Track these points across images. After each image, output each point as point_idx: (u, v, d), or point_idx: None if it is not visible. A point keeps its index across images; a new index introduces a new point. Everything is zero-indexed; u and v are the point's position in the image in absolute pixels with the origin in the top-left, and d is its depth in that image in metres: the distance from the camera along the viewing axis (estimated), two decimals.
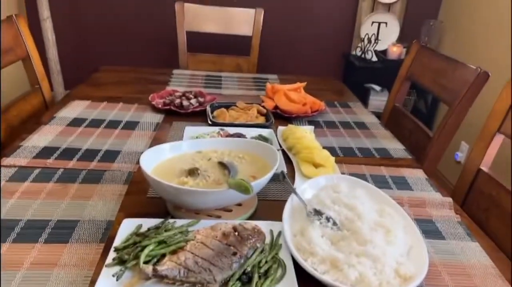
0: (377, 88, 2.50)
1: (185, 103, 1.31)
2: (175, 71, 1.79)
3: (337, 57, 2.69)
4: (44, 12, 2.21)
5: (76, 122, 1.16)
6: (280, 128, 1.18)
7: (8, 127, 1.17)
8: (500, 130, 0.99)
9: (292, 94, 1.39)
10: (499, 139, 1.01)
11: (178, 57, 2.03)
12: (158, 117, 1.26)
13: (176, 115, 1.28)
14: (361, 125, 1.32)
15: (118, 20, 2.51)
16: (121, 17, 2.51)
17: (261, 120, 1.27)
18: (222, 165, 0.80)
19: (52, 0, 2.29)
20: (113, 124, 1.17)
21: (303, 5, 2.55)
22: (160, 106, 1.31)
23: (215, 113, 1.29)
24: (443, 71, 1.27)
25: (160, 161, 0.80)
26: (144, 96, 1.40)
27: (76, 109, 1.26)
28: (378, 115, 1.49)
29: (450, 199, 0.88)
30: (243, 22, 2.05)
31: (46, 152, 0.98)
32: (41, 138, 1.05)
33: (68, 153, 0.98)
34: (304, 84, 1.47)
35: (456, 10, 2.44)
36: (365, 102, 2.56)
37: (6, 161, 0.92)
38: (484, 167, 1.01)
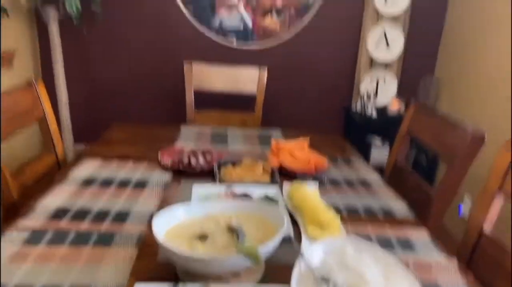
0: (379, 142, 2.55)
1: (193, 161, 1.36)
2: (183, 128, 1.85)
3: (338, 111, 2.78)
4: (59, 73, 2.33)
5: (88, 182, 1.20)
6: (286, 186, 1.21)
7: (21, 187, 1.21)
8: (501, 189, 1.02)
9: (296, 152, 1.44)
10: (500, 198, 1.04)
11: (186, 113, 2.11)
12: (167, 176, 1.30)
13: (184, 174, 1.32)
14: (364, 183, 1.36)
15: (129, 79, 2.64)
16: (132, 76, 2.63)
17: (267, 178, 1.30)
18: (231, 229, 0.82)
19: (67, 61, 2.42)
20: (123, 184, 1.21)
21: (304, 62, 2.68)
22: (169, 165, 1.35)
23: (222, 171, 1.33)
24: (442, 130, 1.33)
25: (171, 226, 0.82)
26: (153, 153, 1.45)
27: (88, 168, 1.30)
28: (381, 168, 1.53)
29: (455, 261, 0.90)
30: (248, 80, 2.16)
31: (59, 213, 1.01)
32: (54, 199, 1.08)
33: (81, 214, 1.01)
34: (307, 140, 1.52)
35: (451, 67, 2.55)
36: (367, 156, 2.61)
37: (21, 223, 0.95)
38: (486, 227, 1.03)
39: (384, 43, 2.60)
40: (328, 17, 2.60)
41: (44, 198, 1.08)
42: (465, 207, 2.26)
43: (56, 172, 1.28)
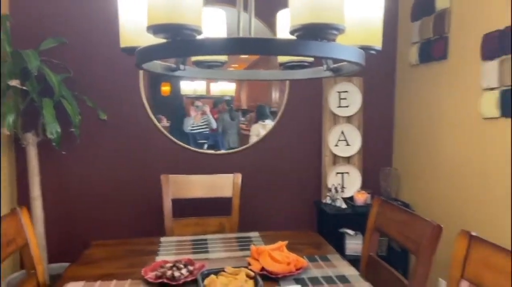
0: (351, 232, 2.66)
1: (176, 274, 1.39)
2: (162, 239, 1.89)
3: (309, 205, 2.91)
4: (35, 190, 2.37)
5: None
6: None
7: None
8: (464, 277, 1.13)
9: (276, 254, 1.50)
10: (465, 283, 1.13)
11: (164, 223, 2.16)
12: None
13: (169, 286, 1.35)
14: (343, 279, 1.42)
15: (105, 194, 2.71)
16: (108, 191, 2.71)
17: (251, 284, 1.34)
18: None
19: (44, 181, 2.48)
20: None
21: (273, 163, 2.87)
22: (152, 280, 1.38)
23: (205, 281, 1.36)
24: (405, 223, 1.46)
25: None
26: (136, 269, 1.48)
27: None
28: (356, 258, 1.62)
29: None
30: (224, 185, 2.28)
31: None
32: None
33: None
34: (285, 243, 1.60)
35: (406, 158, 2.81)
36: (341, 246, 2.68)
37: None
38: None
39: (344, 140, 2.86)
40: (292, 120, 2.86)
41: None
42: None
43: None
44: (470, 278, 1.11)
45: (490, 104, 1.96)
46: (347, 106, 2.88)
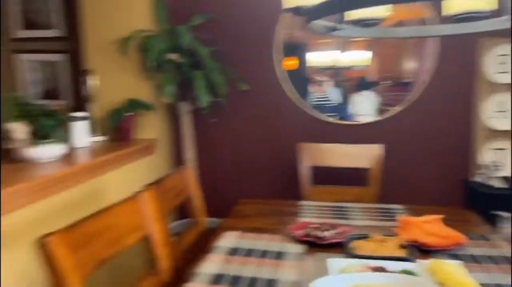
0: (507, 215, 2.36)
1: (325, 234, 1.43)
2: (302, 203, 1.95)
3: (455, 184, 2.67)
4: (188, 153, 2.68)
5: (233, 251, 1.34)
6: (423, 261, 1.20)
7: (180, 254, 1.39)
8: None
9: (427, 227, 1.42)
10: None
11: (299, 189, 2.22)
12: (300, 248, 1.38)
13: (315, 246, 1.39)
14: (507, 260, 1.28)
15: (246, 159, 2.93)
16: (249, 156, 2.92)
17: (402, 252, 1.30)
18: None
19: (195, 143, 2.78)
20: (264, 254, 1.32)
21: (415, 138, 2.69)
22: (301, 237, 1.44)
23: (352, 244, 1.37)
24: None
25: None
26: (282, 227, 1.56)
27: (230, 240, 1.44)
28: None
29: None
30: (363, 156, 2.23)
31: (218, 278, 1.15)
32: (210, 265, 1.23)
33: (234, 280, 1.13)
34: (441, 216, 1.49)
35: None
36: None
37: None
38: None
39: (502, 112, 2.51)
40: (437, 90, 2.62)
41: (202, 265, 1.23)
42: None
43: (201, 242, 1.45)
44: None
45: None
46: (506, 72, 2.51)
